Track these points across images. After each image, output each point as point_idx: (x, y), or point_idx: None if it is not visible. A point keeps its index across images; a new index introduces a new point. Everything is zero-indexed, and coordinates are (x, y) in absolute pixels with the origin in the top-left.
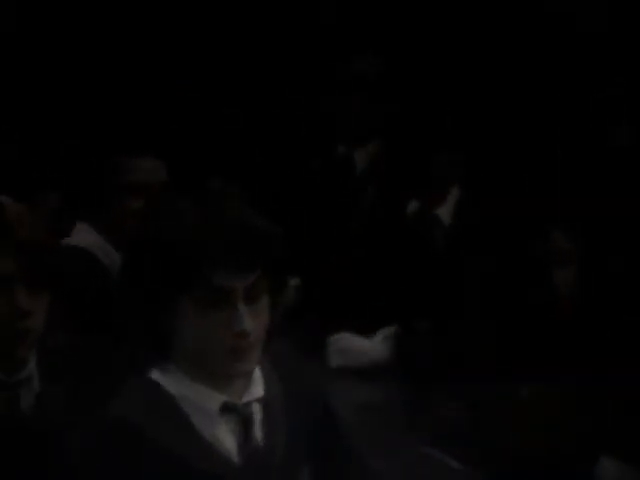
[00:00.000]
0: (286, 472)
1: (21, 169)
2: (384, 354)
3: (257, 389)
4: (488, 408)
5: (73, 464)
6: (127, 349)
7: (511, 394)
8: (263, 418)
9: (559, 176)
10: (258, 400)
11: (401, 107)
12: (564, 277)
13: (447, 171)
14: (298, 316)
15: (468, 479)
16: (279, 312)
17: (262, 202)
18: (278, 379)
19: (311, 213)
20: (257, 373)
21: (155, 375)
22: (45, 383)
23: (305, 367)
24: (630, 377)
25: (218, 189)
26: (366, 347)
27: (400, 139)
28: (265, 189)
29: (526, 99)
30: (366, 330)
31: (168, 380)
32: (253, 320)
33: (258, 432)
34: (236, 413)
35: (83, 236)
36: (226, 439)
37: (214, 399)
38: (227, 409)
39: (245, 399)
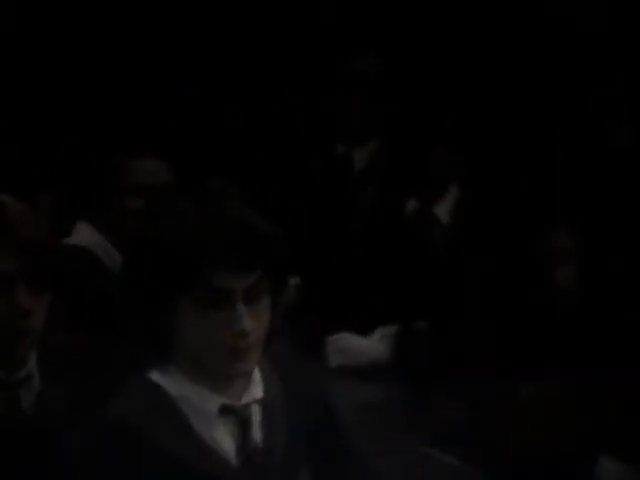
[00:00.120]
0: (286, 473)
1: (22, 168)
2: (384, 354)
3: (256, 390)
4: (488, 408)
5: (72, 463)
6: (127, 349)
7: (511, 394)
8: (262, 419)
9: (559, 176)
10: (257, 401)
11: (401, 107)
12: (565, 276)
13: (447, 170)
14: (298, 316)
15: (468, 479)
16: (279, 312)
17: (262, 202)
18: (278, 379)
19: (311, 213)
20: (256, 374)
21: (155, 376)
22: (45, 382)
23: (305, 367)
24: (630, 377)
25: (218, 189)
26: (365, 347)
27: (400, 139)
28: (265, 189)
29: (526, 99)
30: (366, 330)
31: (168, 381)
32: (253, 320)
33: (257, 433)
34: (235, 415)
35: (84, 235)
36: (225, 441)
37: (213, 401)
38: (226, 411)
39: (244, 401)
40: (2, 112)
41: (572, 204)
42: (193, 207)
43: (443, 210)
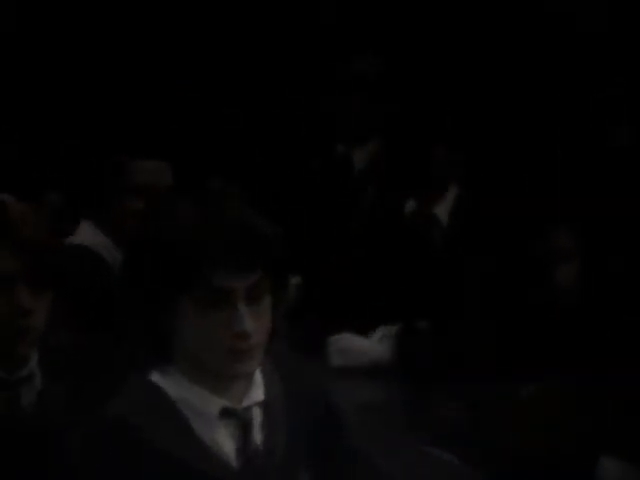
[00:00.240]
0: (286, 473)
1: (24, 168)
2: (384, 354)
3: (257, 393)
4: (488, 408)
5: (72, 463)
6: (128, 349)
7: (511, 394)
8: (263, 421)
9: (559, 176)
10: (258, 404)
11: (401, 107)
12: (565, 275)
13: (446, 170)
14: (298, 316)
15: (468, 478)
16: (280, 312)
17: (262, 202)
18: (279, 380)
19: (311, 213)
20: (258, 376)
21: (155, 377)
22: (47, 381)
23: (305, 367)
24: (630, 377)
25: (218, 189)
26: (366, 347)
27: (400, 139)
28: (265, 189)
29: (526, 99)
30: (366, 330)
31: (168, 382)
32: (254, 321)
33: (257, 435)
34: (236, 418)
35: (87, 235)
36: (225, 443)
37: (213, 403)
38: (227, 414)
39: (245, 403)
40: (5, 112)
41: (572, 204)
42: (193, 207)
43: (442, 210)
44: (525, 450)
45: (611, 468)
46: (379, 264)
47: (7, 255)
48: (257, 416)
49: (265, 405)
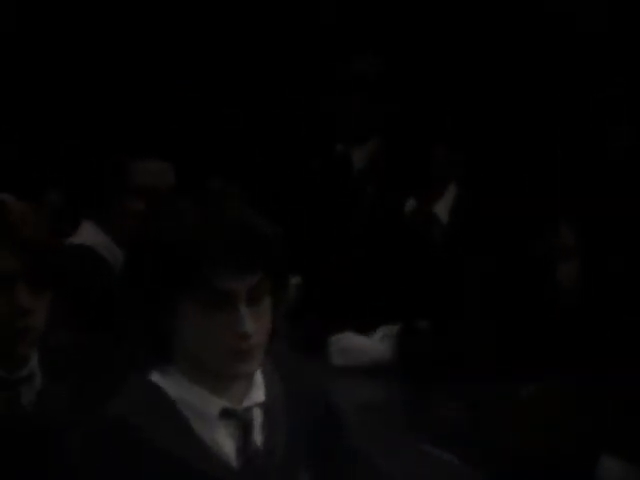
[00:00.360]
0: (286, 473)
1: (24, 168)
2: (385, 354)
3: (258, 393)
4: (488, 408)
5: (72, 463)
6: (128, 348)
7: (511, 394)
8: (263, 421)
9: (559, 176)
10: (259, 405)
11: (401, 107)
12: (566, 274)
13: (446, 170)
14: (298, 316)
15: (468, 477)
16: (281, 312)
17: (262, 202)
18: (279, 380)
19: (311, 213)
20: (258, 377)
21: (155, 377)
22: (47, 381)
23: (306, 367)
24: (630, 377)
25: (218, 189)
26: (367, 346)
27: (399, 138)
28: (265, 189)
29: (526, 99)
30: (366, 329)
31: (168, 382)
32: (255, 322)
33: (258, 436)
34: (236, 418)
35: (89, 235)
36: (225, 443)
37: (214, 404)
38: (227, 414)
39: (246, 404)
40: (7, 112)
41: (572, 204)
42: (193, 207)
43: (442, 209)
44: (525, 450)
45: (611, 468)
46: (379, 263)
47: (7, 255)
48: (257, 417)
49: (265, 406)
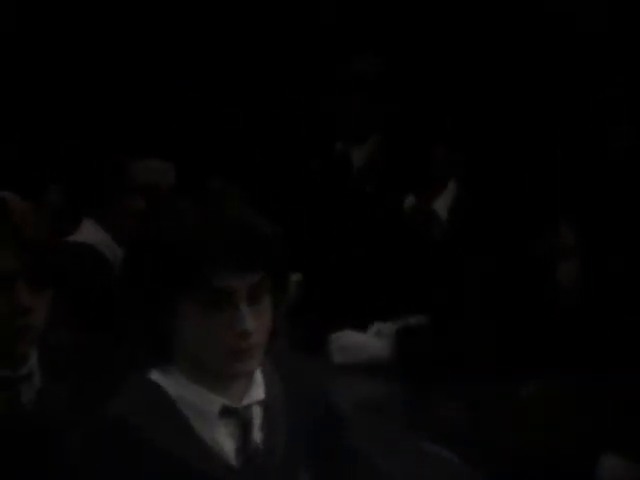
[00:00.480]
0: (286, 473)
1: (25, 167)
2: (385, 352)
3: (257, 392)
4: (488, 408)
5: (72, 463)
6: (128, 348)
7: (511, 394)
8: (263, 420)
9: (559, 176)
10: (258, 403)
11: (401, 107)
12: (566, 273)
13: (446, 170)
14: (298, 315)
15: (468, 477)
16: (281, 312)
17: (262, 202)
18: (279, 379)
19: (311, 212)
20: (258, 375)
21: (155, 376)
22: (46, 380)
23: (305, 366)
24: (630, 377)
25: (218, 189)
26: (367, 344)
27: (399, 138)
28: (265, 189)
29: (526, 99)
30: (367, 328)
31: (168, 381)
32: (255, 321)
33: (257, 434)
34: (236, 416)
35: (89, 233)
36: (225, 442)
37: (214, 402)
38: (227, 412)
39: (245, 402)
40: (6, 111)
41: (572, 204)
42: (193, 207)
43: (442, 206)
44: (525, 450)
45: (611, 467)
46: (379, 262)
47: (7, 254)
48: (257, 415)
49: (265, 404)
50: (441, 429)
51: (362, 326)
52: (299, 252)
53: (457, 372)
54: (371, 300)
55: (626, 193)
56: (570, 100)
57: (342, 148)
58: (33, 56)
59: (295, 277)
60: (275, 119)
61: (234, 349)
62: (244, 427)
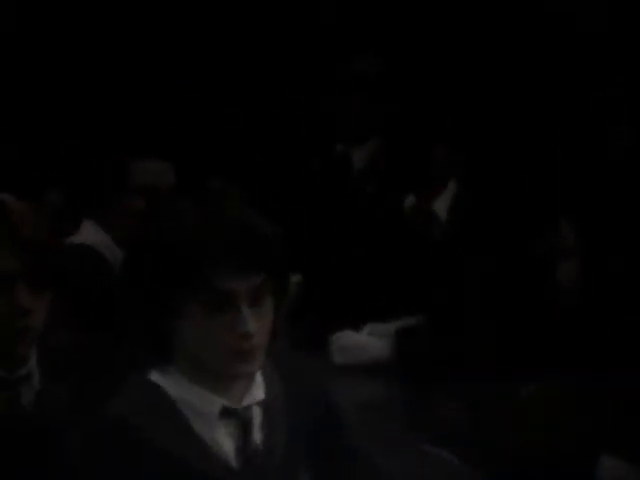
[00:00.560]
0: (285, 473)
1: (24, 168)
2: (385, 352)
3: (258, 392)
4: (488, 408)
5: (72, 463)
6: (128, 348)
7: (511, 394)
8: (263, 420)
9: (559, 176)
10: (258, 403)
11: (401, 107)
12: (566, 272)
13: (446, 170)
14: (299, 315)
15: (468, 477)
16: (282, 313)
17: (262, 202)
18: (279, 379)
19: (311, 213)
20: (258, 376)
21: (155, 376)
22: (45, 381)
23: (305, 366)
24: (630, 377)
25: (218, 189)
26: (367, 345)
27: (399, 138)
28: (265, 189)
29: (526, 99)
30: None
31: (168, 382)
32: (257, 322)
33: (257, 435)
34: (236, 417)
35: (89, 234)
36: (225, 442)
37: (214, 403)
38: (227, 413)
39: (245, 402)
40: (6, 112)
41: (572, 204)
42: (194, 207)
43: (441, 206)
44: (525, 450)
45: (611, 468)
46: (378, 262)
47: (7, 255)
48: (257, 415)
49: (265, 404)
50: (441, 429)
51: (362, 326)
52: (299, 252)
53: (457, 372)
54: (371, 300)
55: (626, 193)
56: (570, 100)
57: (342, 148)
58: (33, 57)
59: (295, 277)
60: (275, 119)
61: (236, 350)
62: (244, 427)
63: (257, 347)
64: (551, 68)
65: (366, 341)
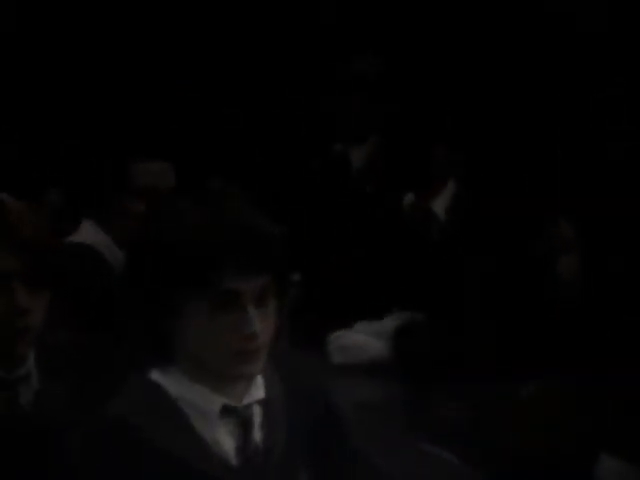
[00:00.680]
0: (285, 472)
1: (25, 168)
2: (383, 352)
3: (258, 391)
4: (488, 408)
5: (72, 463)
6: (128, 348)
7: (511, 394)
8: (263, 419)
9: (559, 176)
10: (259, 402)
11: (401, 107)
12: (567, 265)
13: (446, 170)
14: (299, 314)
15: (468, 477)
16: (283, 312)
17: (262, 202)
18: (279, 379)
19: (310, 212)
20: (258, 376)
21: (155, 376)
22: (44, 380)
23: (305, 366)
24: (630, 377)
25: (219, 189)
26: (366, 344)
27: (399, 138)
28: (265, 189)
29: (526, 99)
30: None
31: (169, 381)
32: (261, 323)
33: (257, 433)
34: (236, 415)
35: (89, 234)
36: (225, 441)
37: (214, 401)
38: (227, 412)
39: (246, 401)
40: (6, 112)
41: (572, 204)
42: (194, 208)
43: (440, 205)
44: (525, 450)
45: (611, 468)
46: (378, 262)
47: (6, 255)
48: (257, 414)
49: (265, 403)
50: (441, 429)
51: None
52: (299, 252)
53: (457, 372)
54: (370, 300)
55: (626, 193)
56: (570, 100)
57: (341, 148)
58: (33, 57)
59: (295, 277)
60: (275, 119)
61: (240, 351)
62: (244, 426)
63: (261, 348)
64: (551, 68)
65: (365, 341)
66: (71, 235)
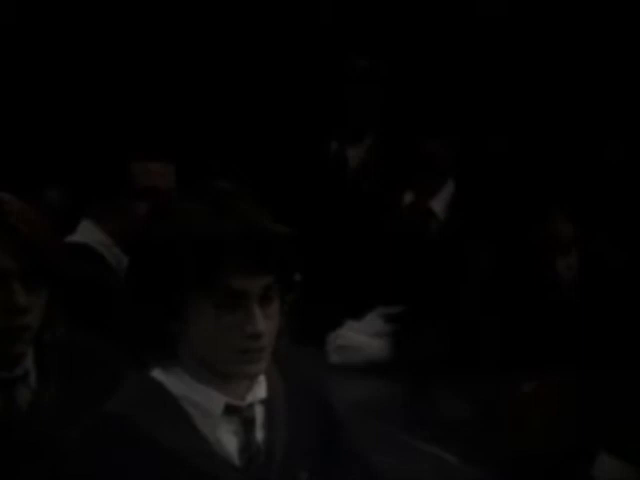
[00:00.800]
0: (286, 471)
1: (24, 166)
2: (382, 351)
3: (260, 390)
4: (488, 408)
5: (72, 462)
6: (127, 347)
7: (511, 393)
8: (265, 419)
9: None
10: (261, 401)
11: (399, 105)
12: (565, 262)
13: (444, 167)
14: (298, 314)
15: (467, 476)
16: (285, 312)
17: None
18: (280, 378)
19: (308, 211)
20: (260, 375)
21: (157, 374)
22: (42, 379)
23: (306, 365)
24: (630, 376)
25: (224, 189)
26: (365, 344)
27: (396, 136)
28: (262, 188)
29: (526, 99)
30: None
31: (171, 380)
32: (266, 322)
33: (259, 433)
34: (239, 415)
35: (88, 234)
36: (228, 440)
37: (217, 400)
38: (230, 411)
39: (248, 400)
40: (7, 110)
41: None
42: (200, 207)
43: (439, 204)
44: (525, 450)
45: (610, 467)
46: (376, 260)
47: (5, 254)
48: (259, 413)
49: (267, 403)
50: (441, 429)
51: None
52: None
53: (457, 371)
54: (369, 298)
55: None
56: (570, 100)
57: (337, 147)
58: (33, 55)
59: (296, 277)
60: (273, 119)
61: (244, 350)
62: (246, 425)
63: (265, 347)
64: (551, 68)
65: (364, 341)
66: (70, 235)
